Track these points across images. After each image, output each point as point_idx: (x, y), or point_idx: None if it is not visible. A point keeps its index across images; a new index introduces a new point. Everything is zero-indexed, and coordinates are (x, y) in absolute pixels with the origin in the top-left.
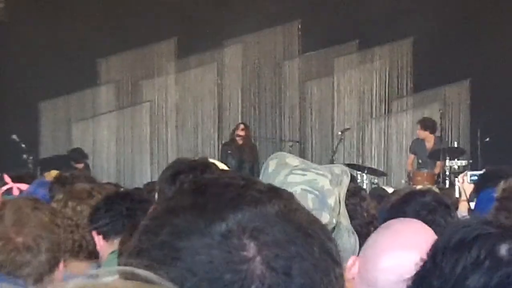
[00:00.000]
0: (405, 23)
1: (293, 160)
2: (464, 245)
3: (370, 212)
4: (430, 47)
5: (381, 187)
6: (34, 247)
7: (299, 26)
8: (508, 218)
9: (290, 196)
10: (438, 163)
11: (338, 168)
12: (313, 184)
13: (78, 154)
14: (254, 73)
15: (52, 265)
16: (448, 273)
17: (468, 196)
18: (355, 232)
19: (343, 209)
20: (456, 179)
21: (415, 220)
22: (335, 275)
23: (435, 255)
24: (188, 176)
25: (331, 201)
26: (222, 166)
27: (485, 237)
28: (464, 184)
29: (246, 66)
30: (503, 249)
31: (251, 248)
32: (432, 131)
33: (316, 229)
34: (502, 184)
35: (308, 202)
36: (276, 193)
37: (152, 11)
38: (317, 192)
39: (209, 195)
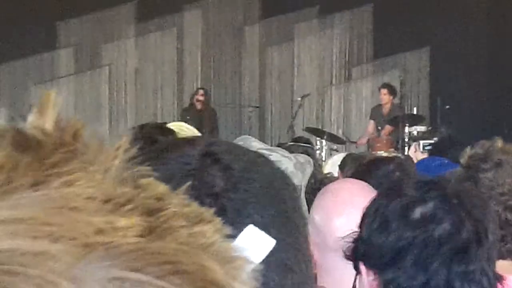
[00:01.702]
0: None
1: (258, 144)
2: (380, 208)
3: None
4: (390, 14)
5: (355, 153)
6: None
7: None
8: (474, 190)
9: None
10: (387, 127)
11: (302, 158)
12: (277, 165)
13: None
14: (214, 38)
15: None
16: (365, 236)
17: None
18: None
19: (303, 200)
20: (408, 148)
21: (349, 180)
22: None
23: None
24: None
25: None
26: (186, 128)
27: (398, 200)
28: (417, 154)
29: (206, 31)
30: (416, 213)
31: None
32: (393, 94)
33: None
34: (468, 151)
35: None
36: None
37: None
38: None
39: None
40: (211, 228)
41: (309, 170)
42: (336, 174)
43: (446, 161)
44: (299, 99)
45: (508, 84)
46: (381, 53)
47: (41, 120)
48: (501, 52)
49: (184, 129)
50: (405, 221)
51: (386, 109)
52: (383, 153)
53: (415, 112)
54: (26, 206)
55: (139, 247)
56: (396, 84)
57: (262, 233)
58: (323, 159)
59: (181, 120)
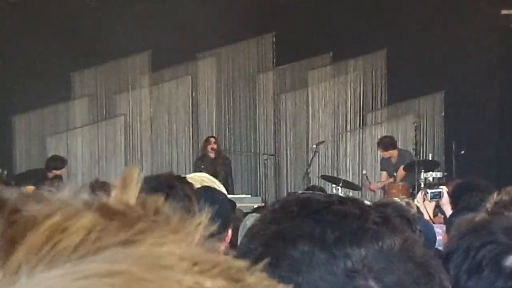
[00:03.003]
0: (379, 35)
1: None
2: (471, 250)
3: None
4: (403, 59)
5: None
6: None
7: (273, 39)
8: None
9: (403, 227)
10: (400, 171)
11: None
12: None
13: (58, 161)
14: (228, 86)
15: None
16: (452, 274)
17: (431, 214)
18: None
19: None
20: (415, 198)
21: None
22: None
23: (446, 254)
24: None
25: None
26: (208, 179)
27: (492, 245)
28: (425, 203)
29: (220, 79)
30: (509, 261)
31: None
32: (394, 147)
33: (434, 265)
34: (494, 197)
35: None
36: (393, 226)
37: (126, 25)
38: None
39: (324, 224)
40: None
41: None
42: None
43: None
44: (314, 146)
45: None
46: (395, 99)
47: (125, 195)
48: None
49: (206, 180)
50: (498, 269)
51: (393, 159)
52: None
53: (430, 158)
54: (120, 261)
55: None
56: (410, 129)
57: None
58: None
59: (195, 170)
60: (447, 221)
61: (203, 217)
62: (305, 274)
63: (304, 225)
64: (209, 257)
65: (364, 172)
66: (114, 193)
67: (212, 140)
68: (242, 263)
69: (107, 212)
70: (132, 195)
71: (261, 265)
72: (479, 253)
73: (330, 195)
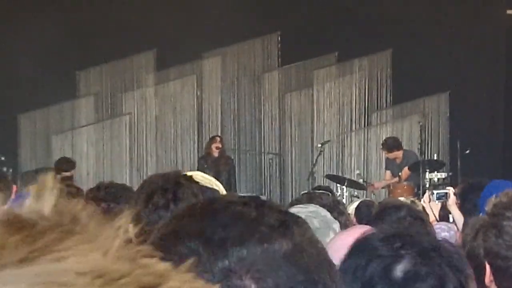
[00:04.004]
0: (384, 35)
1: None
2: (359, 269)
3: (348, 227)
4: (408, 59)
5: (370, 199)
6: None
7: (279, 38)
8: (499, 237)
9: (303, 232)
10: (405, 170)
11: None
12: (316, 214)
13: (68, 163)
14: (234, 86)
15: None
16: None
17: (436, 215)
18: None
19: None
20: (422, 199)
21: (358, 226)
22: None
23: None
24: (161, 196)
25: (336, 226)
26: (202, 176)
27: (377, 260)
28: (431, 203)
29: (226, 79)
30: (397, 271)
31: None
32: (398, 148)
33: (322, 274)
34: (493, 199)
35: (314, 223)
36: (288, 230)
37: (131, 23)
38: (321, 218)
39: (217, 224)
40: None
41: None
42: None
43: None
44: (319, 145)
45: None
46: (400, 98)
47: (39, 204)
48: None
49: (200, 178)
50: (389, 282)
51: (398, 160)
52: (402, 199)
53: (435, 158)
54: (13, 282)
55: None
56: (415, 129)
57: None
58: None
59: (198, 169)
60: (464, 222)
61: (123, 220)
62: None
63: (198, 224)
64: (118, 267)
65: (357, 172)
66: (28, 202)
67: (218, 139)
68: (164, 266)
69: (14, 224)
70: (47, 204)
71: (186, 265)
72: (368, 271)
73: (234, 196)
